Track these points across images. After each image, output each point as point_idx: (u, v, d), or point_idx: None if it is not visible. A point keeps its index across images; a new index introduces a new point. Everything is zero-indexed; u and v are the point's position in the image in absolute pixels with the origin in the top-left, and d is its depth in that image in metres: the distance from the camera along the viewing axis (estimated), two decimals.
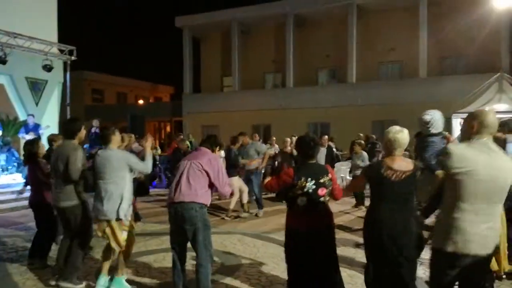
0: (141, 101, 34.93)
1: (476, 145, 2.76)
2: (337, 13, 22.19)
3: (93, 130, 13.30)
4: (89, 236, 4.79)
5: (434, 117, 4.84)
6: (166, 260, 5.50)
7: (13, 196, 9.78)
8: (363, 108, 20.38)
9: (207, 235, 4.04)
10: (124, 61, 53.57)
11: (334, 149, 12.95)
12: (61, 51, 12.76)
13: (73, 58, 12.72)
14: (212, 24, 25.01)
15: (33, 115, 12.30)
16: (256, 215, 8.70)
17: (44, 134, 10.75)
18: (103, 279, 4.40)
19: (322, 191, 3.63)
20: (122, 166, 4.35)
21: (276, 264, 5.40)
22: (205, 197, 4.10)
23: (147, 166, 4.55)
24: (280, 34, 23.70)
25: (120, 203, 4.29)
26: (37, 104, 13.56)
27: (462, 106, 15.49)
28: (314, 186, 3.60)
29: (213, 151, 4.37)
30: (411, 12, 20.56)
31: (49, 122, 12.93)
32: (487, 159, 2.70)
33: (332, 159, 11.24)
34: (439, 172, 3.46)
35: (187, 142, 13.44)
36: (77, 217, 4.62)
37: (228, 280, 4.87)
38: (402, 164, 3.30)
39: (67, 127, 4.84)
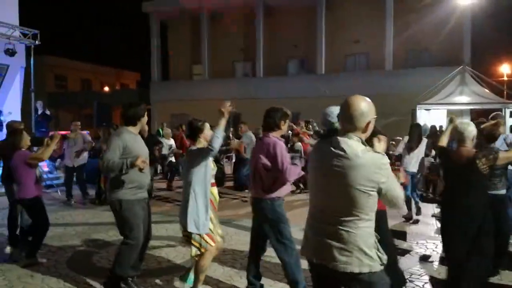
0: (106, 88, 34.13)
1: None
2: (306, 3, 22.32)
3: (39, 111, 12.92)
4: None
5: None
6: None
7: None
8: (331, 99, 20.27)
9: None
10: (88, 46, 52.02)
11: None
12: (24, 35, 12.24)
13: (37, 42, 12.23)
14: (180, 10, 24.60)
15: None
16: None
17: (6, 121, 10.35)
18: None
19: None
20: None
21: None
22: None
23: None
24: (249, 23, 23.63)
25: (189, 213, 3.84)
26: None
27: (426, 97, 16.02)
28: None
29: None
30: (378, 5, 20.95)
31: (11, 108, 12.43)
32: None
33: None
34: None
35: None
36: None
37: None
38: None
39: (128, 113, 4.07)
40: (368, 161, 2.19)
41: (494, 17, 19.20)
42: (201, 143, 3.98)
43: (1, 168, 6.17)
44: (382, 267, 2.26)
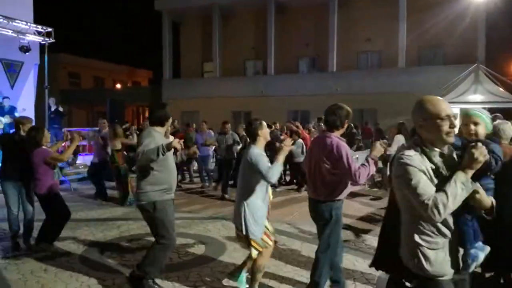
0: (119, 86, 34.40)
1: None
2: (318, 1, 22.22)
3: (52, 108, 13.07)
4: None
5: None
6: None
7: None
8: (343, 97, 20.40)
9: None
10: (101, 44, 52.43)
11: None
12: (39, 32, 12.37)
13: (51, 40, 12.35)
14: (192, 8, 24.71)
15: (8, 98, 11.96)
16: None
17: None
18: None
19: None
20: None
21: None
22: None
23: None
24: (261, 21, 23.61)
25: (246, 217, 3.75)
26: (12, 86, 13.17)
27: (439, 96, 15.80)
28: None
29: None
30: (390, 2, 20.76)
31: (25, 105, 12.58)
32: None
33: None
34: None
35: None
36: None
37: (213, 264, 4.93)
38: None
39: (156, 114, 4.16)
40: None
41: (509, 14, 18.88)
42: (261, 141, 3.90)
43: None
44: None
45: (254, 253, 3.78)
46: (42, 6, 15.26)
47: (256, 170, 3.66)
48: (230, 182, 9.27)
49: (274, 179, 3.64)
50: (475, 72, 15.83)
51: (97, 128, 9.80)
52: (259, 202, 3.76)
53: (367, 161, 3.67)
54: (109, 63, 35.64)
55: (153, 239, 4.70)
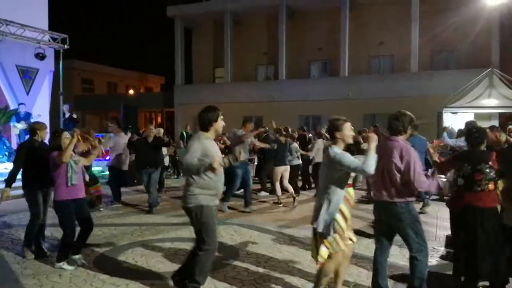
0: (131, 91, 34.72)
1: None
2: (329, 6, 22.21)
3: (66, 115, 13.26)
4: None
5: None
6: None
7: (3, 186, 9.69)
8: (355, 102, 20.50)
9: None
10: (114, 50, 53.02)
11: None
12: (54, 39, 12.59)
13: (66, 46, 12.55)
14: (204, 14, 24.89)
15: (24, 104, 12.18)
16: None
17: None
18: None
19: (478, 176, 4.06)
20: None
21: (272, 254, 5.50)
22: None
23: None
24: (272, 26, 23.66)
25: (321, 213, 3.73)
26: (28, 92, 13.41)
27: (452, 100, 15.70)
28: (470, 171, 4.11)
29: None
30: (403, 6, 20.66)
31: (40, 111, 12.79)
32: None
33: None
34: None
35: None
36: None
37: (228, 269, 4.94)
38: None
39: (201, 118, 4.11)
40: None
41: None
42: (339, 144, 3.81)
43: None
44: None
45: (324, 252, 3.69)
46: (56, 13, 15.53)
47: (345, 167, 3.62)
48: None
49: (371, 169, 3.56)
50: (489, 76, 15.68)
51: (111, 133, 9.85)
52: (335, 201, 3.71)
53: (432, 176, 4.02)
54: (121, 69, 36.03)
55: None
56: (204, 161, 3.88)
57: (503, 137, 6.08)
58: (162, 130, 8.16)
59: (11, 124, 12.09)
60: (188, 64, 26.73)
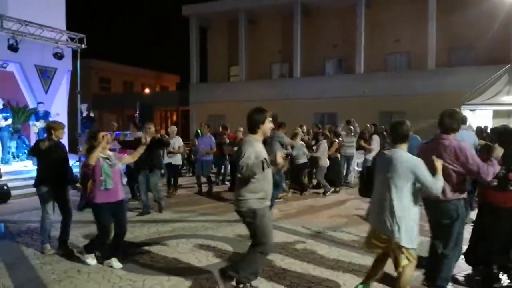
0: (147, 90, 35.03)
1: None
2: (344, 3, 22.04)
3: (84, 114, 13.44)
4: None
5: None
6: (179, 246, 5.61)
7: (25, 183, 9.93)
8: (370, 99, 20.33)
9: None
10: (130, 49, 53.51)
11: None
12: (71, 39, 12.76)
13: (83, 46, 12.71)
14: (219, 13, 24.96)
15: (43, 103, 12.39)
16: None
17: None
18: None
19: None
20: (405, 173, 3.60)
21: (288, 252, 5.51)
22: None
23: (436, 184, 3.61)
24: (287, 24, 23.59)
25: (395, 221, 3.57)
26: (46, 92, 13.65)
27: (470, 98, 15.44)
28: (504, 171, 4.15)
29: None
30: (419, 2, 20.37)
31: (58, 110, 13.00)
32: None
33: None
34: None
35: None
36: None
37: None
38: None
39: (249, 120, 4.13)
40: None
41: None
42: (402, 149, 3.70)
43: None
44: None
45: (404, 261, 3.56)
46: (73, 13, 15.76)
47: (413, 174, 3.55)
48: None
49: (439, 190, 3.60)
50: (509, 73, 15.37)
51: (128, 132, 9.99)
52: (414, 211, 3.61)
53: (491, 161, 3.93)
54: (137, 68, 36.36)
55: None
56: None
57: None
58: (153, 128, 8.11)
59: (30, 122, 12.33)
60: (203, 63, 26.85)
